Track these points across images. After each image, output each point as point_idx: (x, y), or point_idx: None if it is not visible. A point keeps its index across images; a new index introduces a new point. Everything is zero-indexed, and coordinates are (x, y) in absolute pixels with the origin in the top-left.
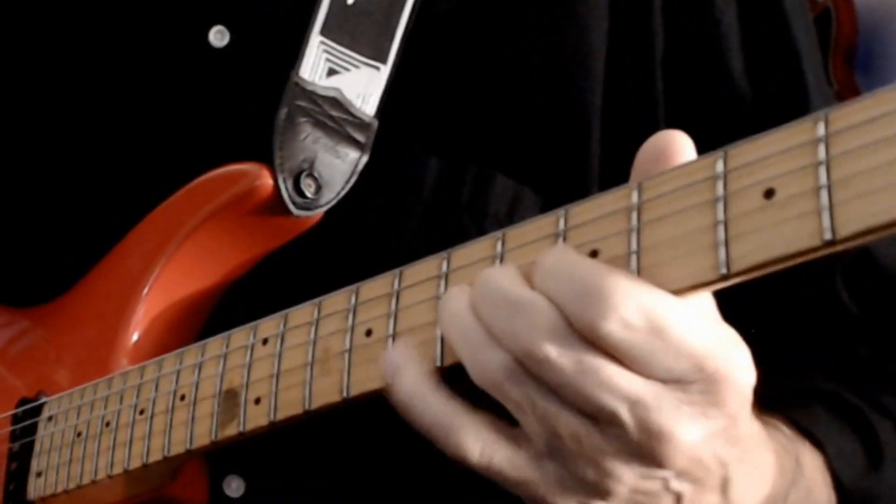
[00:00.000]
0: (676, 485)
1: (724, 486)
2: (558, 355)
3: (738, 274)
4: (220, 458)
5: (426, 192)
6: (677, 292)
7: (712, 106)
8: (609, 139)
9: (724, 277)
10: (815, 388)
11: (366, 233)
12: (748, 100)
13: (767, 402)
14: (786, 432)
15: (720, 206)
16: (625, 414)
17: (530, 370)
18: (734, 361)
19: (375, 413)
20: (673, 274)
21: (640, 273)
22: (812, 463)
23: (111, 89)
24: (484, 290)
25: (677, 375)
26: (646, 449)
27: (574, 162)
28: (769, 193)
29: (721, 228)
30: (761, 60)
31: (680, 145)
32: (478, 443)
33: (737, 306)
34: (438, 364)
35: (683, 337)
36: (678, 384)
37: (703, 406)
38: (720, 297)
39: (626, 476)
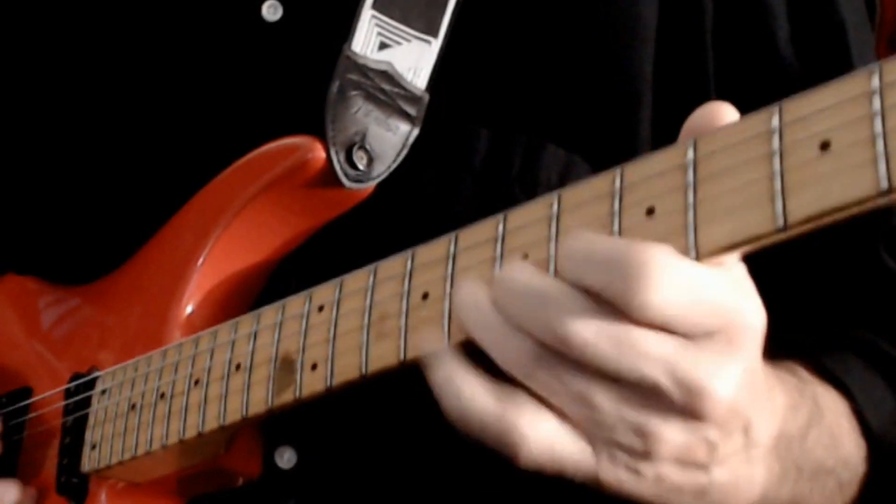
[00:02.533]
0: (713, 435)
1: (747, 429)
2: (595, 336)
3: (794, 225)
4: (272, 429)
5: (477, 164)
6: (734, 246)
7: (759, 76)
8: (661, 107)
9: (781, 230)
10: (851, 338)
11: (418, 205)
12: (793, 70)
13: (801, 348)
14: (803, 376)
15: (776, 159)
16: (665, 380)
17: (565, 355)
18: (747, 306)
19: (427, 385)
20: (729, 227)
21: (696, 228)
22: (837, 408)
23: (165, 66)
24: (506, 287)
25: (708, 329)
26: (688, 408)
27: (625, 129)
28: (825, 145)
29: (777, 180)
30: (806, 31)
31: (727, 116)
32: (539, 438)
33: (782, 273)
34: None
35: (712, 295)
36: (707, 337)
37: (729, 355)
38: (765, 265)
39: (669, 435)
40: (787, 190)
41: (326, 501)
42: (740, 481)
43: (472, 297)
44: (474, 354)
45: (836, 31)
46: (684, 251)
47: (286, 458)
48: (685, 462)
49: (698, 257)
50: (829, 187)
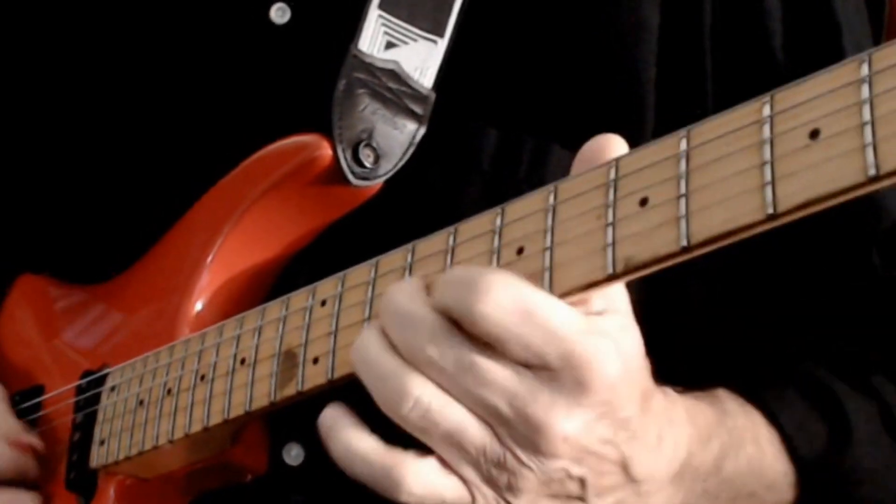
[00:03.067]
0: (576, 470)
1: (625, 466)
2: (440, 356)
3: (784, 213)
4: (280, 425)
5: (484, 164)
6: (726, 235)
7: (755, 77)
8: (662, 108)
9: (772, 217)
10: (798, 371)
11: (425, 204)
12: (787, 72)
13: (748, 381)
14: (728, 408)
15: (766, 149)
16: (506, 409)
17: (429, 379)
18: (599, 351)
19: None
20: (721, 216)
21: (688, 218)
22: (762, 437)
23: (175, 68)
24: (384, 304)
25: (546, 361)
26: (532, 442)
27: (630, 133)
28: (814, 134)
29: (767, 170)
30: (802, 34)
31: (617, 148)
32: (419, 479)
33: (774, 276)
34: None
35: (551, 321)
36: (550, 373)
37: (575, 395)
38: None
39: (528, 472)
40: (777, 179)
41: (334, 498)
42: None
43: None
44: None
45: (832, 34)
46: (677, 241)
47: (294, 455)
48: (557, 495)
49: (689, 247)
50: (819, 175)
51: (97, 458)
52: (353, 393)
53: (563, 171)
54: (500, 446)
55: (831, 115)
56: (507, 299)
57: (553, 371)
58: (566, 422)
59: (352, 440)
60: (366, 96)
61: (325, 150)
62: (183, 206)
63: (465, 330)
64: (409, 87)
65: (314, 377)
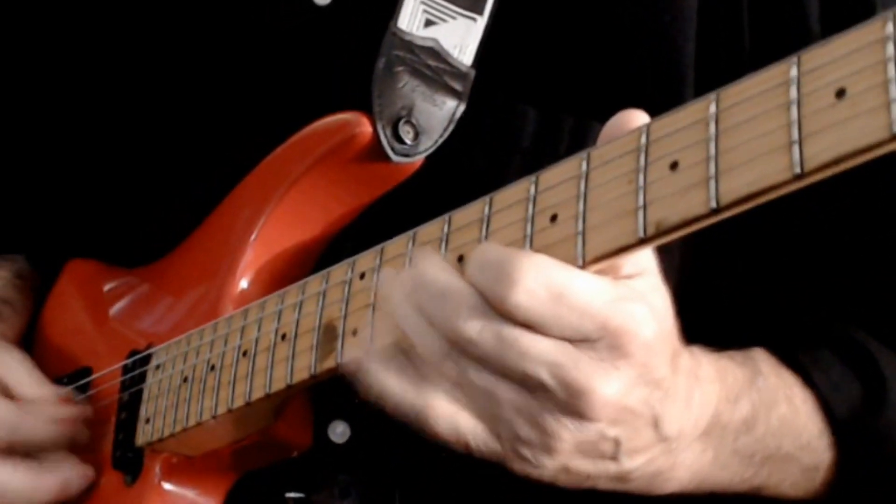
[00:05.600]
0: (612, 432)
1: (656, 423)
2: (480, 332)
3: (811, 173)
4: (325, 403)
5: (525, 142)
6: (754, 195)
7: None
8: (701, 87)
9: (799, 177)
10: (833, 331)
11: (466, 182)
12: None
13: (783, 342)
14: (761, 369)
15: (794, 108)
16: (547, 377)
17: (463, 350)
18: (634, 316)
19: None
20: (749, 177)
21: (717, 179)
22: (797, 398)
23: (220, 50)
24: (417, 280)
25: (584, 334)
26: (573, 406)
27: (669, 109)
28: (840, 93)
29: (795, 129)
30: (837, 8)
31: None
32: (442, 418)
33: (809, 233)
34: None
35: (583, 300)
36: (588, 343)
37: (612, 360)
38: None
39: (565, 433)
40: (804, 138)
41: (378, 475)
42: (662, 468)
43: (388, 290)
44: None
45: (866, 8)
46: (706, 203)
47: (339, 433)
48: (590, 454)
49: (719, 208)
50: (845, 133)
51: (142, 435)
52: None
53: None
54: (538, 407)
55: (857, 74)
56: (538, 285)
57: (592, 341)
58: (607, 386)
59: (386, 380)
60: (405, 74)
61: (366, 127)
62: (227, 186)
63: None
64: (449, 64)
65: (353, 349)
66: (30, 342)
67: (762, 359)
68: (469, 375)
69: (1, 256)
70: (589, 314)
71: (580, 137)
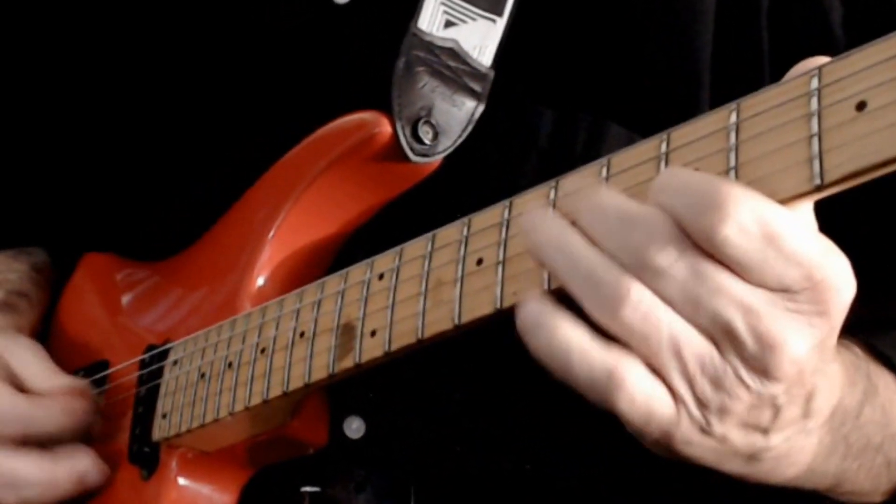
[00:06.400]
0: (782, 399)
1: (810, 397)
2: (674, 262)
3: (831, 185)
4: (340, 398)
5: (542, 142)
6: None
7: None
8: (717, 88)
9: (819, 189)
10: None
11: (483, 181)
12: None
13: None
14: (857, 352)
15: (814, 121)
16: (739, 323)
17: (649, 285)
18: (840, 272)
19: (494, 357)
20: (769, 188)
21: None
22: (889, 387)
23: (237, 46)
24: (595, 209)
25: (787, 284)
26: (761, 361)
27: (685, 110)
28: (861, 106)
29: (815, 141)
30: (861, 13)
31: None
32: (638, 387)
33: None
34: (546, 288)
35: (795, 245)
36: (787, 293)
37: (809, 315)
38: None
39: (743, 393)
40: (825, 150)
41: (394, 471)
42: (793, 450)
43: (552, 229)
44: None
45: (891, 13)
46: None
47: (355, 428)
48: (748, 425)
49: None
50: (865, 147)
51: (159, 430)
52: (420, 369)
53: (620, 148)
54: (722, 361)
55: (878, 87)
56: (751, 221)
57: (792, 292)
58: (801, 343)
59: (569, 335)
60: (425, 74)
61: (385, 127)
62: (244, 183)
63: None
64: (468, 65)
65: (371, 350)
66: (45, 335)
67: (853, 343)
68: (651, 322)
69: (18, 249)
70: (797, 262)
71: (596, 137)
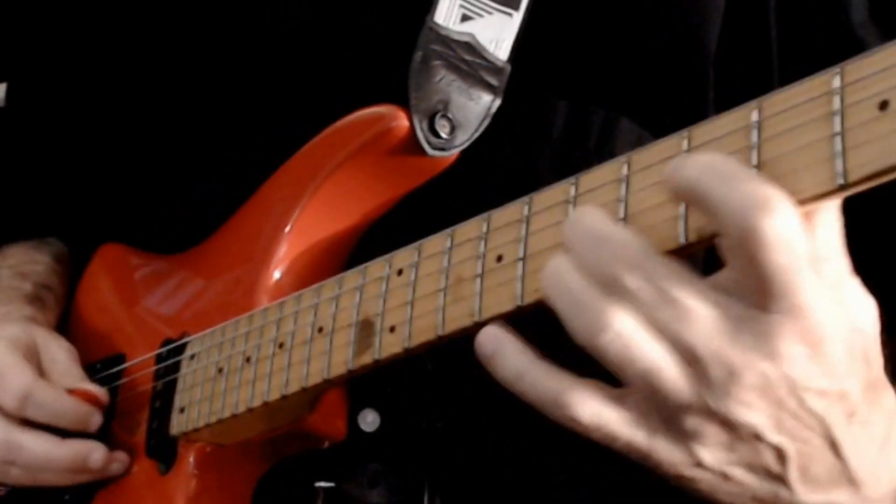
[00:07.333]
0: (773, 437)
1: (834, 444)
2: (638, 287)
3: (854, 184)
4: (355, 391)
5: (555, 135)
6: (799, 204)
7: (831, 54)
8: (724, 86)
9: (842, 188)
10: None
11: (497, 174)
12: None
13: None
14: None
15: (836, 120)
16: (702, 349)
17: (624, 307)
18: (813, 291)
19: None
20: (793, 186)
21: None
22: None
23: (252, 40)
24: (575, 227)
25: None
26: (724, 387)
27: (694, 108)
28: (883, 105)
29: (838, 140)
30: (885, 14)
31: None
32: (587, 406)
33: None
34: None
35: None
36: (759, 314)
37: (784, 340)
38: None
39: (715, 419)
40: (848, 149)
41: (409, 464)
42: None
43: (555, 261)
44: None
45: None
46: None
47: (370, 421)
48: (751, 466)
49: None
50: (888, 146)
51: (177, 425)
52: (436, 362)
53: (631, 143)
54: (690, 389)
55: None
56: (741, 208)
57: (765, 313)
58: (766, 365)
59: (521, 363)
60: (442, 68)
61: (402, 121)
62: (261, 176)
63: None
64: (485, 59)
65: (391, 346)
66: (62, 327)
67: None
68: (631, 349)
69: (38, 240)
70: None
71: (609, 130)
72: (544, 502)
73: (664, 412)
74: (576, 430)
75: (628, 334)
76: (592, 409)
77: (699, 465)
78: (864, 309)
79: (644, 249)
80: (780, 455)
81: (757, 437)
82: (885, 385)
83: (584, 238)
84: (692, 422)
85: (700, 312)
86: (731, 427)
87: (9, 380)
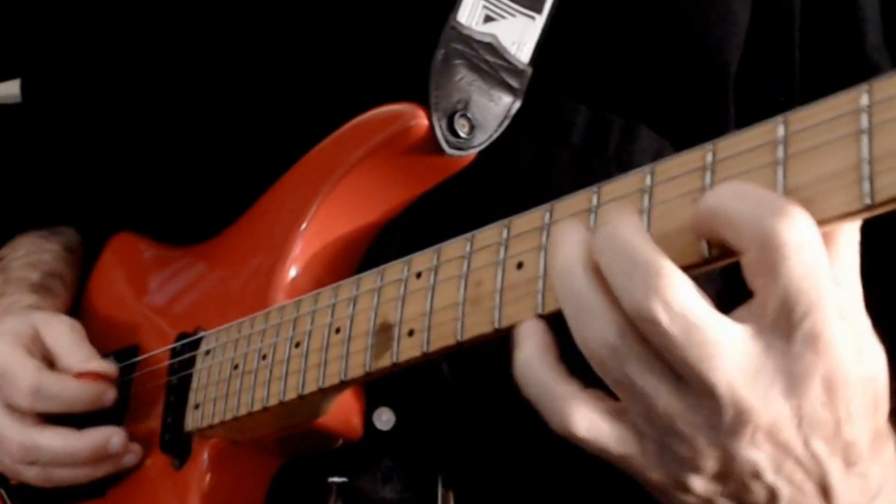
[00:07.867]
0: (770, 476)
1: (826, 490)
2: (669, 321)
3: (881, 204)
4: (370, 390)
5: (575, 140)
6: (823, 223)
7: (844, 76)
8: (745, 103)
9: (868, 208)
10: None
11: (515, 176)
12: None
13: None
14: None
15: (864, 139)
16: (725, 391)
17: (637, 331)
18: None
19: None
20: (819, 206)
21: None
22: None
23: (272, 34)
24: (608, 241)
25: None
26: (732, 427)
27: (713, 122)
28: None
29: (866, 160)
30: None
31: None
32: (584, 419)
33: None
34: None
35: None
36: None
37: (802, 372)
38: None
39: (716, 453)
40: (875, 169)
41: (423, 463)
42: None
43: (567, 256)
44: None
45: None
46: None
47: (384, 420)
48: (742, 501)
49: None
50: None
51: (191, 421)
52: (444, 357)
53: (651, 152)
54: (695, 419)
55: None
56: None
57: (788, 343)
58: (780, 405)
59: (533, 360)
60: (463, 67)
61: (421, 119)
62: (278, 171)
63: None
64: (506, 60)
65: (409, 350)
66: (74, 316)
67: None
68: (629, 377)
69: (50, 229)
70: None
71: (628, 138)
72: (557, 501)
73: (661, 434)
74: (569, 440)
75: (625, 352)
76: (589, 422)
77: (688, 490)
78: (877, 354)
79: (680, 284)
80: (772, 496)
81: (755, 476)
82: (888, 436)
83: (618, 257)
84: (689, 450)
85: (723, 353)
86: (730, 461)
87: (15, 378)
